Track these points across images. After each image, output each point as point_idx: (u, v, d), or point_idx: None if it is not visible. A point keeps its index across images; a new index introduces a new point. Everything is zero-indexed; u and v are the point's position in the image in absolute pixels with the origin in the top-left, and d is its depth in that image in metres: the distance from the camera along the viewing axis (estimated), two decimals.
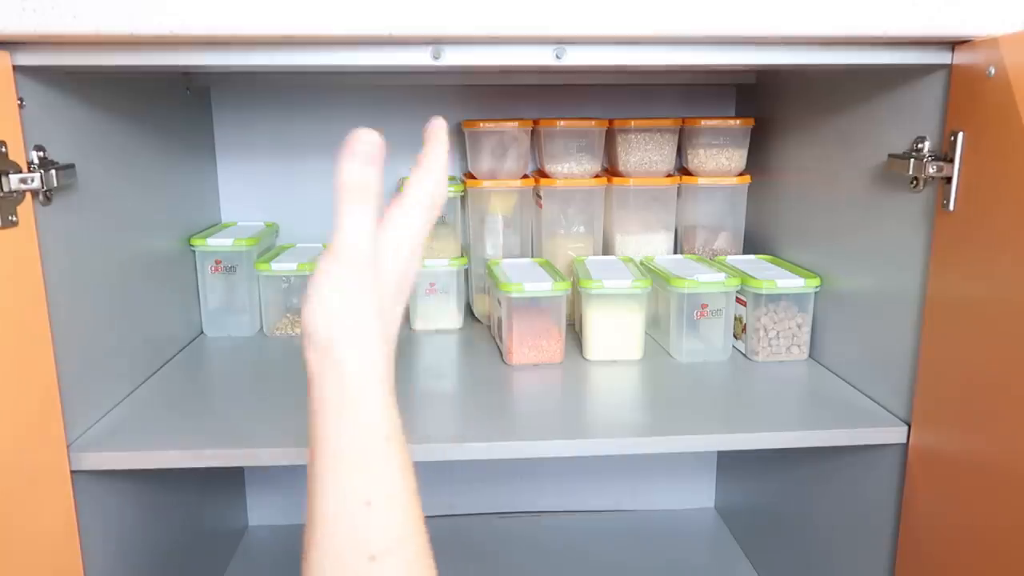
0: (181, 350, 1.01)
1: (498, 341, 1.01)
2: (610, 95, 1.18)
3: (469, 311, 1.16)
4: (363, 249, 0.42)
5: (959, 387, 0.68)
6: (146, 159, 0.92)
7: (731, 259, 1.07)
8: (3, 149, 0.63)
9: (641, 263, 1.06)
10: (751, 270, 0.98)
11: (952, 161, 0.68)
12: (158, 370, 0.93)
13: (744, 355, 0.98)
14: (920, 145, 0.73)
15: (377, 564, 0.36)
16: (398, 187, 1.14)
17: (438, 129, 0.47)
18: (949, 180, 0.68)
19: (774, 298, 0.95)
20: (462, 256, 1.10)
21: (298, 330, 1.08)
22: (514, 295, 0.93)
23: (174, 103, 1.02)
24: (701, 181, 1.10)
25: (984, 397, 0.64)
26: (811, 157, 0.97)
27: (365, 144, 0.44)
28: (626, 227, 1.12)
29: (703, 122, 1.09)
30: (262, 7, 0.61)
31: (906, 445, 0.76)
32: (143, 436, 0.75)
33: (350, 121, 1.23)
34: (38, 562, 0.66)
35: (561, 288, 0.94)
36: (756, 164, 1.11)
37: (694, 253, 1.13)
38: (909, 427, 0.76)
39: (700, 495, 1.32)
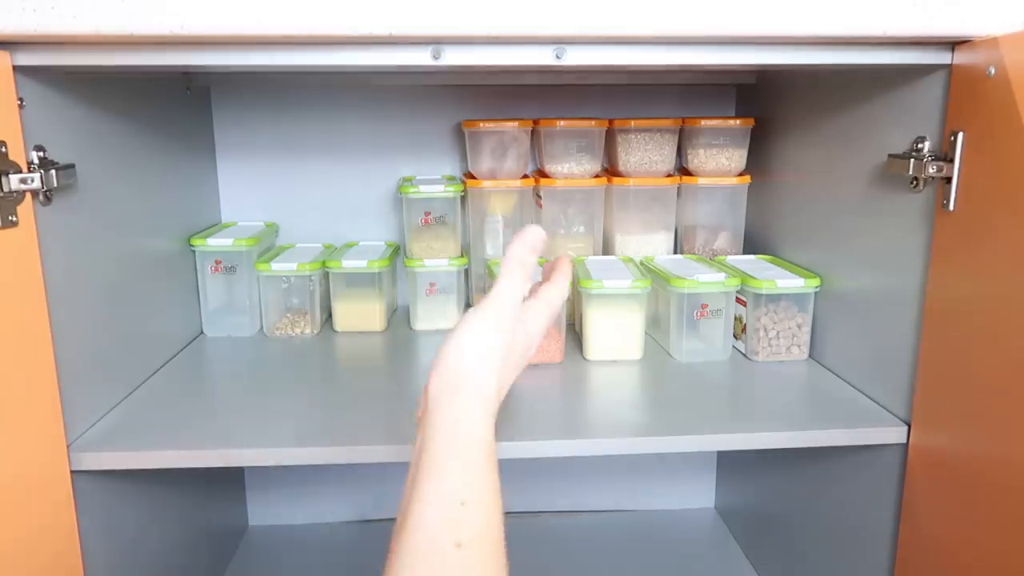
0: (181, 350, 1.01)
1: None
2: (610, 95, 1.18)
3: None
4: (509, 309, 0.52)
5: (959, 387, 0.68)
6: (146, 159, 0.92)
7: (731, 259, 1.07)
8: (3, 149, 0.63)
9: (641, 263, 1.06)
10: (751, 270, 0.98)
11: (952, 161, 0.68)
12: (158, 370, 0.93)
13: (744, 355, 0.98)
14: (920, 145, 0.73)
15: (462, 551, 0.41)
16: (399, 186, 1.15)
17: (567, 265, 0.60)
18: (949, 180, 0.68)
19: (774, 298, 0.95)
20: (462, 256, 1.10)
21: (298, 330, 1.08)
22: None
23: (174, 103, 1.02)
24: (701, 181, 1.10)
25: (984, 397, 0.64)
26: (811, 157, 0.97)
27: (535, 236, 0.54)
28: (626, 227, 1.12)
29: (703, 122, 1.09)
30: (262, 7, 0.61)
31: (906, 445, 0.76)
32: (143, 436, 0.75)
33: (350, 121, 1.25)
34: (38, 562, 0.66)
35: None
36: (756, 164, 1.11)
37: (694, 253, 1.13)
38: (909, 427, 0.76)
39: (700, 495, 1.33)
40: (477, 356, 0.49)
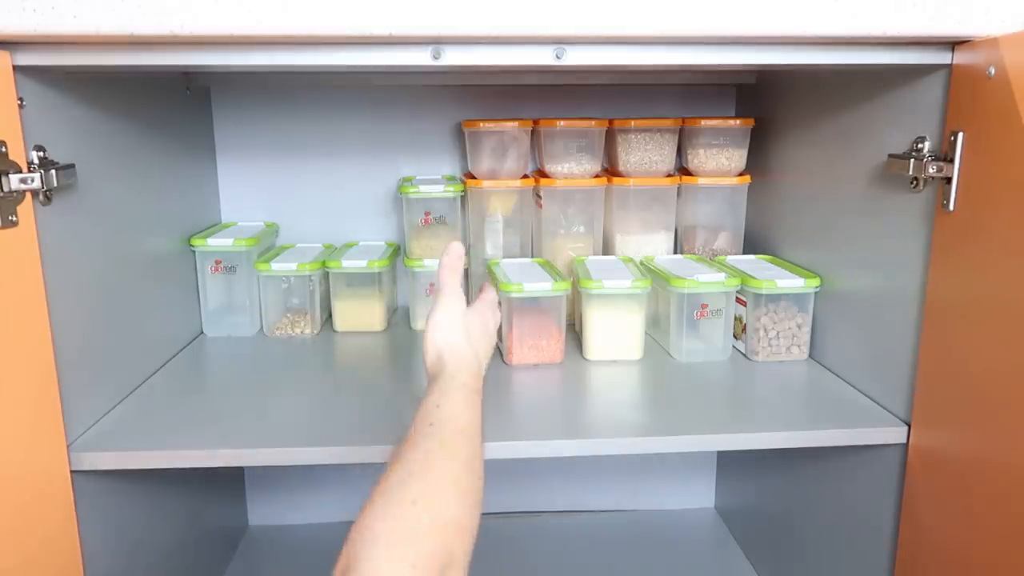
0: (181, 350, 1.01)
1: (498, 341, 1.01)
2: (610, 95, 1.18)
3: None
4: (459, 295, 0.67)
5: (959, 387, 0.68)
6: (146, 159, 0.92)
7: (731, 259, 1.07)
8: (3, 149, 0.63)
9: (641, 263, 1.06)
10: (751, 270, 0.98)
11: (952, 161, 0.68)
12: (158, 370, 0.93)
13: (744, 355, 0.98)
14: (920, 145, 0.73)
15: (416, 507, 0.47)
16: (399, 186, 1.15)
17: (490, 287, 0.78)
18: (949, 180, 0.68)
19: (774, 298, 0.95)
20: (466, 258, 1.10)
21: (298, 330, 1.08)
22: (514, 295, 0.93)
23: (174, 103, 1.02)
24: (701, 181, 1.10)
25: (984, 397, 0.64)
26: (811, 157, 0.97)
27: (457, 250, 0.69)
28: (626, 227, 1.12)
29: (703, 122, 1.09)
30: (262, 7, 0.61)
31: (906, 445, 0.76)
32: (143, 436, 0.75)
33: (350, 121, 1.25)
34: (38, 562, 0.66)
35: (561, 288, 0.94)
36: (756, 164, 1.11)
37: (694, 253, 1.13)
38: (909, 427, 0.76)
39: (700, 495, 1.32)
40: (453, 325, 0.65)
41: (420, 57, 0.67)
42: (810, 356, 0.96)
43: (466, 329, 0.66)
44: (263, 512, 1.27)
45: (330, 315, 1.11)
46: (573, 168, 1.08)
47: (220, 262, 1.06)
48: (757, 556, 1.15)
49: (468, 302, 0.69)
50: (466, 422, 0.57)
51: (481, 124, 1.08)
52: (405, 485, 0.49)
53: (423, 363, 0.65)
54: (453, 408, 0.58)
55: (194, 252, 1.05)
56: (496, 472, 1.29)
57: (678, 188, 1.11)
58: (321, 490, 1.27)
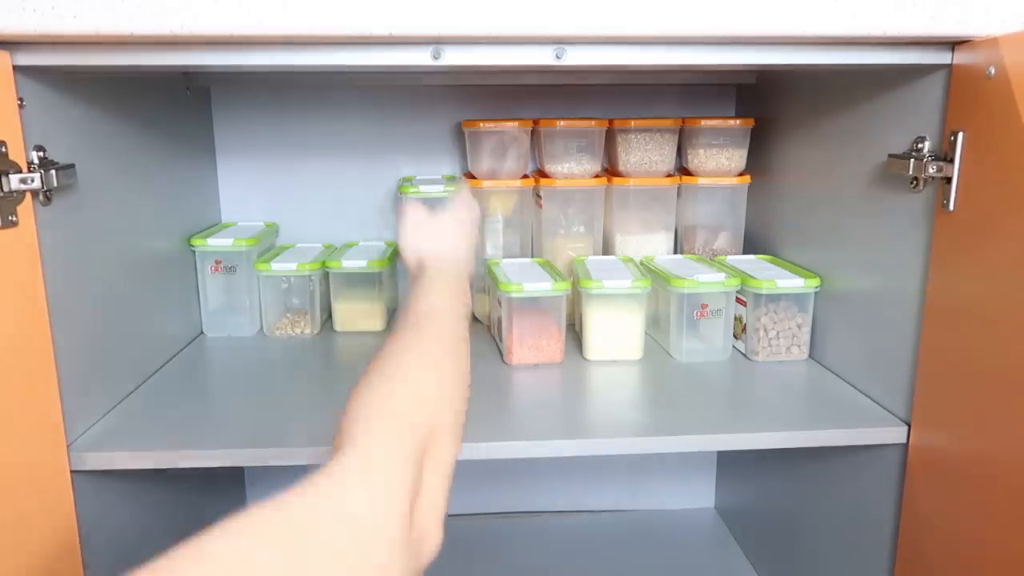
0: (181, 350, 1.01)
1: (498, 341, 1.01)
2: (610, 95, 1.18)
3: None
4: (416, 206, 0.73)
5: (959, 387, 0.68)
6: (146, 159, 0.92)
7: (731, 259, 1.07)
8: (3, 149, 0.63)
9: (641, 263, 1.06)
10: (751, 270, 0.98)
11: (952, 161, 0.68)
12: (158, 370, 0.93)
13: (744, 355, 0.98)
14: (920, 145, 0.73)
15: (393, 383, 0.50)
16: (399, 186, 1.15)
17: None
18: (949, 180, 0.68)
19: (774, 298, 0.95)
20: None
21: (298, 330, 1.08)
22: (514, 295, 0.93)
23: (174, 103, 1.02)
24: (701, 181, 1.10)
25: (984, 397, 0.64)
26: (811, 157, 0.97)
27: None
28: (626, 227, 1.12)
29: (703, 122, 1.09)
30: (262, 7, 0.61)
31: (906, 445, 0.76)
32: (143, 436, 0.75)
33: (350, 121, 1.25)
34: (38, 562, 0.66)
35: (561, 288, 0.94)
36: (756, 164, 1.11)
37: (694, 253, 1.13)
38: (909, 427, 0.76)
39: (700, 495, 1.32)
40: (420, 231, 0.70)
41: (420, 57, 0.67)
42: (810, 356, 0.96)
43: (437, 230, 0.70)
44: None
45: (330, 315, 1.11)
46: (573, 168, 1.08)
47: (220, 262, 1.06)
48: (757, 556, 1.15)
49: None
50: (441, 308, 0.59)
51: (481, 124, 1.08)
52: (383, 368, 0.52)
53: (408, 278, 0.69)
54: (429, 300, 0.60)
55: (194, 252, 1.05)
56: (496, 472, 1.29)
57: (678, 188, 1.11)
58: None
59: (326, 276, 1.09)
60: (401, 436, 0.44)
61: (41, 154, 0.68)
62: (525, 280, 0.95)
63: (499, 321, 0.99)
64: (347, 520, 0.36)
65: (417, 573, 0.42)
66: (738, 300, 0.98)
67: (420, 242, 0.70)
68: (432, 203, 0.93)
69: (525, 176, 1.12)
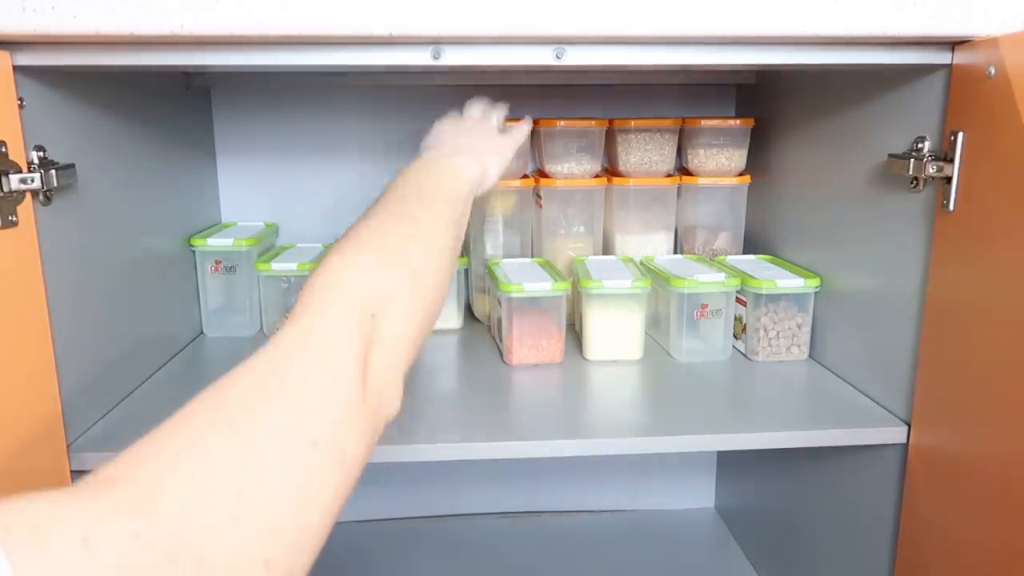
0: (181, 350, 1.01)
1: (498, 341, 1.01)
2: (610, 95, 1.18)
3: (469, 311, 1.16)
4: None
5: (959, 387, 0.68)
6: (146, 159, 0.92)
7: (731, 259, 1.07)
8: (3, 149, 0.63)
9: (641, 263, 1.06)
10: (751, 270, 0.98)
11: (952, 161, 0.68)
12: (158, 370, 0.93)
13: (744, 355, 0.98)
14: (920, 145, 0.73)
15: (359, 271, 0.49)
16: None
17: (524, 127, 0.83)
18: (949, 180, 0.68)
19: (774, 298, 0.95)
20: (462, 256, 1.10)
21: None
22: (514, 295, 0.93)
23: (174, 103, 1.02)
24: (701, 181, 1.10)
25: (984, 397, 0.64)
26: (811, 157, 0.97)
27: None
28: (626, 227, 1.12)
29: (703, 122, 1.09)
30: (262, 7, 0.61)
31: (906, 445, 0.76)
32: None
33: (350, 121, 1.25)
34: None
35: (561, 288, 0.94)
36: (756, 164, 1.11)
37: (694, 253, 1.13)
38: (909, 427, 0.76)
39: (700, 495, 1.32)
40: (452, 127, 0.73)
41: (420, 57, 0.67)
42: (810, 356, 0.96)
43: (482, 130, 0.74)
44: None
45: None
46: (573, 168, 1.08)
47: (220, 262, 1.06)
48: (757, 556, 1.15)
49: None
50: (416, 184, 0.60)
51: None
52: (358, 230, 0.52)
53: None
54: (407, 177, 0.60)
55: (194, 252, 1.05)
56: (496, 472, 1.29)
57: (678, 188, 1.11)
58: None
59: None
60: (348, 305, 0.45)
61: (41, 154, 0.68)
62: (525, 280, 0.95)
63: (499, 321, 0.99)
64: (294, 384, 0.39)
65: (375, 431, 0.44)
66: (738, 300, 0.98)
67: (456, 133, 0.70)
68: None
69: (525, 176, 1.12)
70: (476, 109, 0.80)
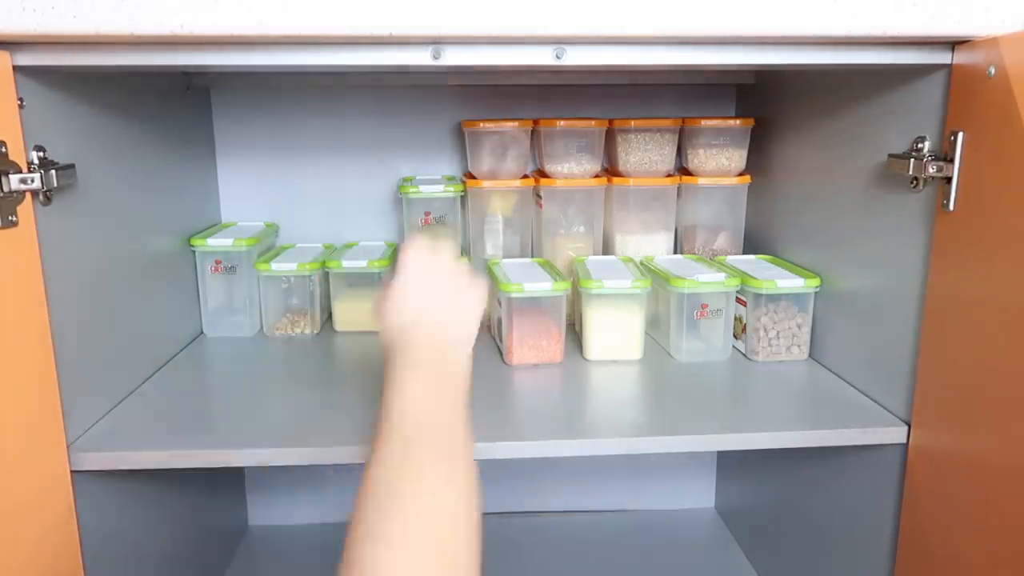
0: (181, 350, 1.01)
1: (498, 341, 1.01)
2: (610, 95, 1.18)
3: None
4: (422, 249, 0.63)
5: (959, 387, 0.68)
6: (146, 159, 0.92)
7: (731, 259, 1.07)
8: (3, 149, 0.63)
9: (641, 263, 1.06)
10: (751, 270, 0.98)
11: (952, 161, 0.68)
12: (158, 370, 0.93)
13: (744, 355, 0.98)
14: (920, 145, 0.73)
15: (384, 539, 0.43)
16: (399, 186, 1.15)
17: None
18: (949, 180, 0.68)
19: (774, 298, 0.95)
20: (462, 256, 1.10)
21: (298, 330, 1.08)
22: (514, 295, 0.93)
23: (174, 103, 1.02)
24: (701, 181, 1.10)
25: (984, 397, 0.64)
26: (811, 157, 0.97)
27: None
28: (626, 227, 1.12)
29: (703, 122, 1.09)
30: (262, 7, 0.61)
31: (906, 445, 0.76)
32: (143, 436, 0.75)
33: (350, 121, 1.25)
34: (38, 562, 0.66)
35: (561, 288, 0.94)
36: (756, 164, 1.11)
37: (694, 253, 1.13)
38: (909, 427, 0.76)
39: (700, 495, 1.32)
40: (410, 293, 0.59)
41: (420, 57, 0.67)
42: (810, 356, 0.96)
43: (446, 285, 0.59)
44: (263, 512, 1.27)
45: (330, 315, 1.11)
46: (573, 168, 1.08)
47: (220, 262, 1.06)
48: (757, 556, 1.15)
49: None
50: (440, 412, 0.51)
51: (481, 124, 1.08)
52: (378, 508, 0.45)
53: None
54: (426, 399, 0.52)
55: (194, 252, 1.05)
56: (496, 472, 1.29)
57: (678, 188, 1.11)
58: (321, 490, 1.27)
59: (326, 276, 1.09)
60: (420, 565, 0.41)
61: (41, 154, 0.68)
62: (525, 280, 0.95)
63: (499, 321, 0.99)
64: None
65: None
66: (738, 300, 0.98)
67: (420, 296, 0.57)
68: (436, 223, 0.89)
69: (525, 176, 1.12)
70: (427, 243, 0.64)
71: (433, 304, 0.58)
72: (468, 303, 0.62)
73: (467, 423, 0.53)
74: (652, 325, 1.04)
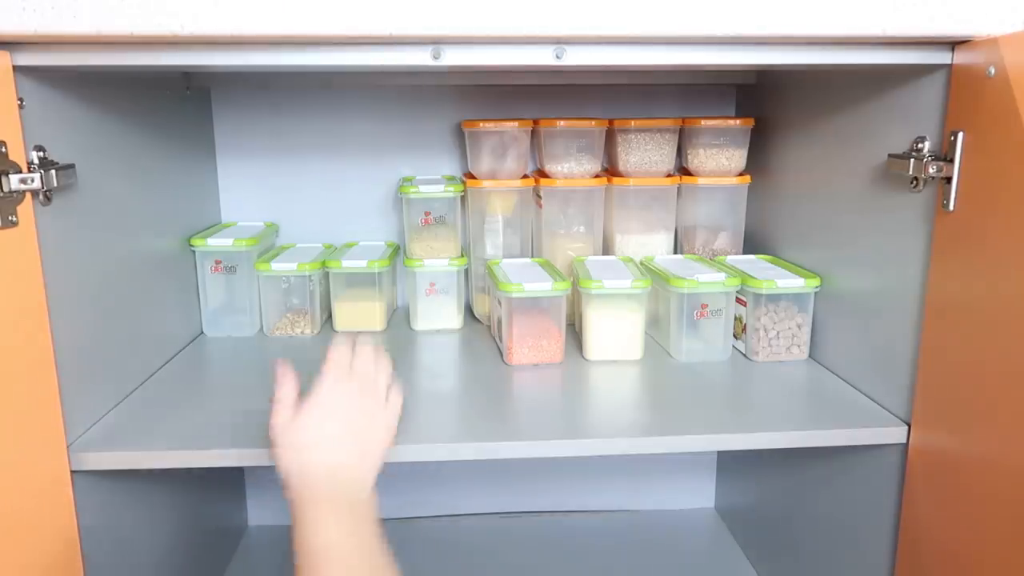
0: (181, 350, 1.01)
1: (498, 341, 1.01)
2: (610, 95, 1.18)
3: (469, 311, 1.16)
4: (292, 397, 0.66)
5: (959, 387, 0.68)
6: (146, 159, 0.92)
7: (731, 259, 1.07)
8: (3, 149, 0.63)
9: (641, 263, 1.06)
10: (751, 270, 0.98)
11: (952, 161, 0.68)
12: (158, 370, 0.93)
13: (744, 355, 0.98)
14: (920, 145, 0.73)
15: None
16: (399, 186, 1.14)
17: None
18: (949, 180, 0.68)
19: (774, 298, 0.95)
20: (462, 256, 1.10)
21: (298, 330, 1.08)
22: (514, 295, 0.93)
23: (174, 103, 1.02)
24: (701, 181, 1.10)
25: (984, 397, 0.64)
26: (811, 157, 0.97)
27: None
28: (626, 227, 1.12)
29: (703, 122, 1.09)
30: (262, 7, 0.61)
31: (906, 445, 0.76)
32: (143, 436, 0.75)
33: (350, 121, 1.25)
34: (38, 562, 0.66)
35: (561, 288, 0.94)
36: (756, 164, 1.11)
37: (694, 253, 1.13)
38: (909, 427, 0.76)
39: (700, 495, 1.32)
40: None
41: (420, 57, 0.67)
42: (810, 356, 0.96)
43: (339, 425, 0.62)
44: (263, 512, 1.27)
45: (330, 315, 1.11)
46: (573, 168, 1.08)
47: (220, 262, 1.06)
48: (757, 556, 1.15)
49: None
50: (341, 543, 0.55)
51: (481, 124, 1.08)
52: None
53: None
54: (328, 534, 0.56)
55: (194, 252, 1.05)
56: (496, 472, 1.29)
57: (678, 188, 1.11)
58: None
59: (326, 276, 1.09)
60: None
61: (41, 154, 0.68)
62: (525, 280, 0.95)
63: (499, 321, 0.99)
64: None
65: None
66: (738, 300, 0.98)
67: (322, 426, 0.60)
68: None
69: (525, 176, 1.12)
70: (346, 362, 0.67)
71: (335, 435, 0.62)
72: (373, 433, 0.65)
73: (383, 549, 0.57)
74: (652, 325, 1.04)
